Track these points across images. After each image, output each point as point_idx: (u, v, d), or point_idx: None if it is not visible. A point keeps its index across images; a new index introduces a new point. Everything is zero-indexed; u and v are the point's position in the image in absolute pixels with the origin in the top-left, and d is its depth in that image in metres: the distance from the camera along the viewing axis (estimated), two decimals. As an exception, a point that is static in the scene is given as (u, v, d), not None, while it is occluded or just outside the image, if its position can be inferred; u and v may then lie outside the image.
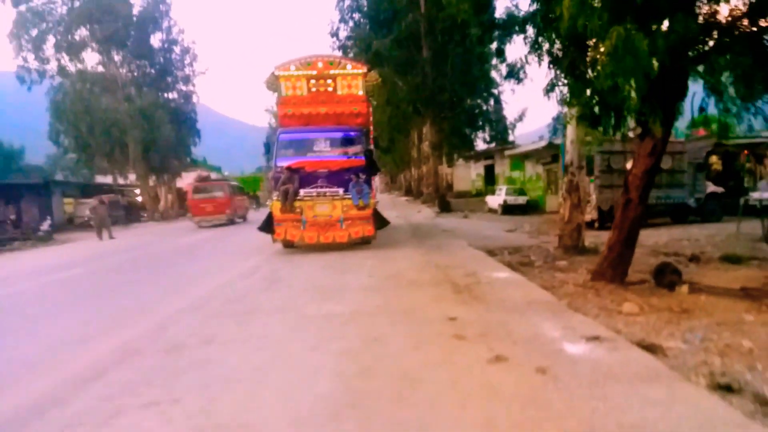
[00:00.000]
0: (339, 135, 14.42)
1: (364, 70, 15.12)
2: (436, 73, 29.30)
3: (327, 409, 3.83)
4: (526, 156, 33.91)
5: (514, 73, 9.58)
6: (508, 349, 4.89)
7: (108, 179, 46.06)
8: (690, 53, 6.74)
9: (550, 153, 27.29)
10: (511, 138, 42.98)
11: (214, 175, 63.64)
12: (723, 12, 6.28)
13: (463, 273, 9.30)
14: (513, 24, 8.55)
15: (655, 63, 5.76)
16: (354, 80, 14.82)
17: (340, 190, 13.49)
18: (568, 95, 7.33)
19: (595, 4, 5.59)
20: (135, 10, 42.13)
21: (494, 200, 30.76)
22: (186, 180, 53.79)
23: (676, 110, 7.09)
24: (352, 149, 14.16)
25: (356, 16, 35.21)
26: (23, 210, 43.56)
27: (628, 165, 10.31)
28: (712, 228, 17.19)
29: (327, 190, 13.55)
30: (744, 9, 6.36)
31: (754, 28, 6.44)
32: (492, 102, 35.65)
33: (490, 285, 8.21)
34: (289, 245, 14.30)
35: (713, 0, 6.16)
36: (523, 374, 4.28)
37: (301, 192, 13.45)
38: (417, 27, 29.80)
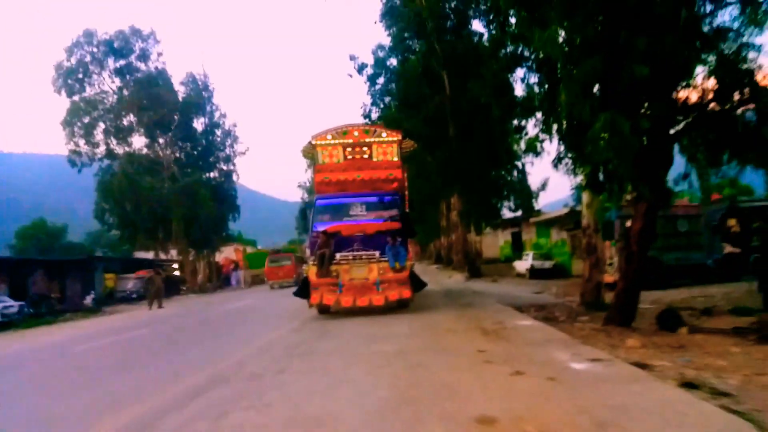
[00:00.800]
0: (375, 199, 14.56)
1: (399, 137, 15.32)
2: (462, 149, 31.22)
3: (387, 407, 5.12)
4: (551, 223, 35.21)
5: (532, 148, 11.13)
6: (526, 367, 6.15)
7: (147, 255, 48.42)
8: (671, 131, 8.23)
9: (573, 219, 28.49)
10: (536, 206, 44.41)
11: (249, 249, 66.01)
12: (693, 98, 7.77)
13: (491, 322, 10.54)
14: (527, 108, 10.15)
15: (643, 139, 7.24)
16: (389, 147, 14.96)
17: (377, 253, 13.34)
18: (572, 167, 8.80)
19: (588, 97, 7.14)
20: (180, 97, 45.72)
21: (522, 265, 31.87)
22: (224, 254, 56.07)
23: (663, 178, 8.46)
24: (387, 213, 14.27)
25: (387, 99, 37.87)
26: (67, 285, 45.94)
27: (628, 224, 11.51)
28: (730, 287, 17.97)
29: (363, 253, 13.43)
30: (711, 94, 7.85)
31: (721, 107, 7.91)
32: (515, 173, 37.34)
33: (515, 330, 9.44)
34: (324, 310, 14.02)
35: (685, 86, 7.66)
36: (536, 381, 5.53)
37: (338, 256, 13.36)
38: (443, 108, 32.05)
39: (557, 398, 4.86)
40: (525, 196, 43.21)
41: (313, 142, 14.97)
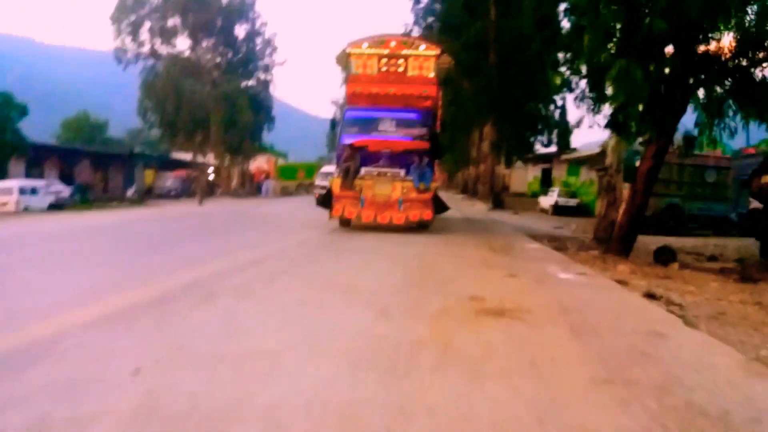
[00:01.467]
0: (406, 116, 14.23)
1: (438, 51, 14.83)
2: (500, 78, 31.29)
3: (402, 285, 6.32)
4: (582, 162, 35.49)
5: (565, 84, 11.73)
6: (521, 273, 7.28)
7: (185, 156, 50.26)
8: (690, 81, 8.89)
9: (603, 160, 28.84)
10: (571, 144, 44.27)
11: (281, 161, 67.57)
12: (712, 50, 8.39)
13: (502, 243, 11.69)
14: (561, 47, 10.76)
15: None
16: (426, 62, 14.51)
17: (402, 172, 13.26)
18: (593, 106, 9.57)
19: (609, 44, 7.85)
20: (224, 2, 45.91)
21: (546, 201, 32.61)
22: (256, 163, 57.72)
23: (674, 124, 9.18)
24: (417, 131, 13.97)
25: (430, 19, 37.54)
26: (110, 177, 48.43)
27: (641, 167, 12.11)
28: (749, 241, 18.51)
29: (388, 170, 13.34)
30: (730, 49, 8.45)
31: (740, 61, 8.52)
32: (552, 107, 37.18)
33: (522, 250, 10.57)
34: (345, 223, 13.98)
35: (703, 41, 8.28)
36: (524, 281, 6.68)
37: (362, 170, 13.28)
38: (485, 34, 31.89)
39: (538, 292, 6.01)
40: (561, 132, 43.16)
41: (348, 50, 14.71)
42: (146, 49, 44.41)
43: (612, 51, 7.67)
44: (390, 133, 13.98)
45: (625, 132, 9.92)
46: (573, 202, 30.97)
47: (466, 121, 39.75)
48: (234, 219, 17.35)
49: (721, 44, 8.32)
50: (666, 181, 22.27)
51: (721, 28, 8.12)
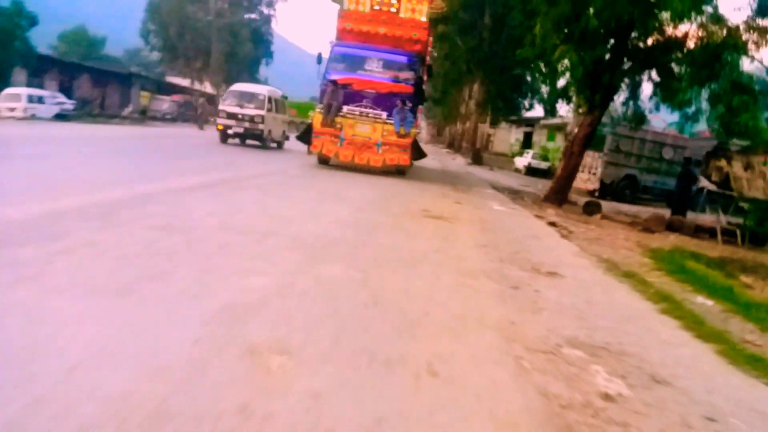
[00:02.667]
0: (393, 57, 13.95)
1: None
2: (492, 39, 33.05)
3: (376, 199, 8.62)
4: (559, 128, 37.79)
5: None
6: (465, 203, 9.69)
7: (183, 81, 51.30)
8: (624, 67, 11.15)
9: (576, 128, 31.17)
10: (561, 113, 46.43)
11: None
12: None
13: (464, 187, 14.01)
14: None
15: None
16: (419, 4, 14.32)
17: (384, 114, 13.09)
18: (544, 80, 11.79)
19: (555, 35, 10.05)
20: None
21: (521, 161, 34.98)
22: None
23: (604, 101, 11.45)
24: (403, 74, 13.75)
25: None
26: (107, 94, 49.50)
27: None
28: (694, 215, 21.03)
29: (370, 111, 13.17)
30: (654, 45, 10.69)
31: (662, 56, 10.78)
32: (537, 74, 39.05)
33: (478, 193, 12.95)
34: (323, 161, 14.10)
35: (634, 38, 10.49)
36: (465, 207, 9.08)
37: (344, 109, 13.14)
38: (482, -5, 33.44)
39: (471, 212, 8.42)
40: (549, 98, 45.19)
41: None
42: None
43: (558, 40, 9.83)
44: (376, 74, 13.68)
45: (569, 103, 12.16)
46: (545, 165, 33.30)
47: (457, 77, 41.52)
48: (235, 144, 19.31)
49: (649, 41, 10.53)
50: (627, 154, 24.72)
51: (649, 28, 10.31)
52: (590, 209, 12.89)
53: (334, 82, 13.24)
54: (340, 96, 13.16)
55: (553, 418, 2.23)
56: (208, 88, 49.28)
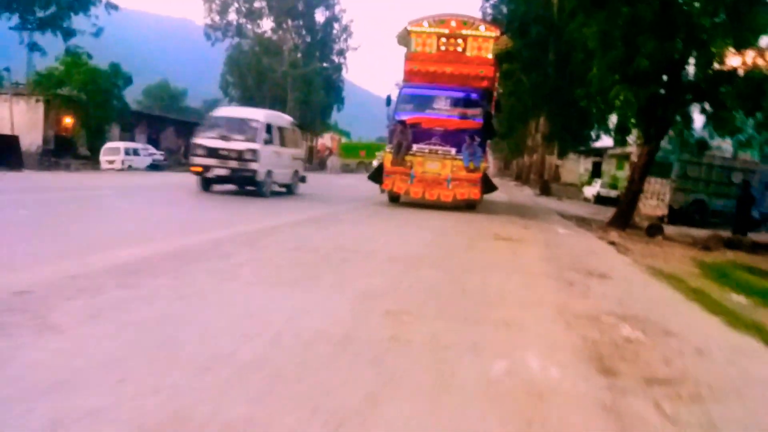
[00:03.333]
0: (460, 95, 14.29)
1: (497, 33, 15.00)
2: (556, 75, 34.14)
3: (453, 226, 9.95)
4: (626, 157, 38.00)
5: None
6: (533, 229, 10.85)
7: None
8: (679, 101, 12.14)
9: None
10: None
11: (343, 139, 71.81)
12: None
13: (532, 215, 15.14)
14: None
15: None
16: (485, 42, 14.62)
17: (453, 150, 13.44)
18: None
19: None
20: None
21: (589, 191, 35.46)
22: (321, 140, 62.15)
23: (660, 132, 12.40)
24: (471, 111, 14.04)
25: (491, 13, 40.52)
26: (190, 144, 53.42)
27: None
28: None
29: (439, 148, 13.55)
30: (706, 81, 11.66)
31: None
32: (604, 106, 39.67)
33: (546, 220, 14.02)
34: (394, 198, 14.45)
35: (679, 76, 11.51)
36: (531, 231, 10.25)
37: (414, 147, 13.51)
38: (546, 33, 34.73)
39: (536, 235, 9.61)
40: (617, 128, 45.52)
41: (409, 28, 14.94)
42: (233, 27, 48.89)
43: (614, 79, 11.01)
44: (443, 112, 14.07)
45: (624, 135, 13.20)
46: (614, 193, 33.51)
47: (523, 112, 42.65)
48: (319, 185, 21.12)
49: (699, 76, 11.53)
50: (695, 179, 25.00)
51: (700, 64, 11.31)
52: (652, 231, 13.68)
53: (402, 122, 13.69)
54: (409, 135, 13.56)
55: (587, 347, 3.47)
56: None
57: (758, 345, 3.98)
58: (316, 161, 56.01)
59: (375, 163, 38.53)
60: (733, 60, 11.47)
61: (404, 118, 13.84)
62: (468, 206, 13.92)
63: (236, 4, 49.10)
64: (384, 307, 3.98)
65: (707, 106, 12.27)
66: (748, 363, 3.56)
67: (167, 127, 49.94)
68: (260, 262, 5.39)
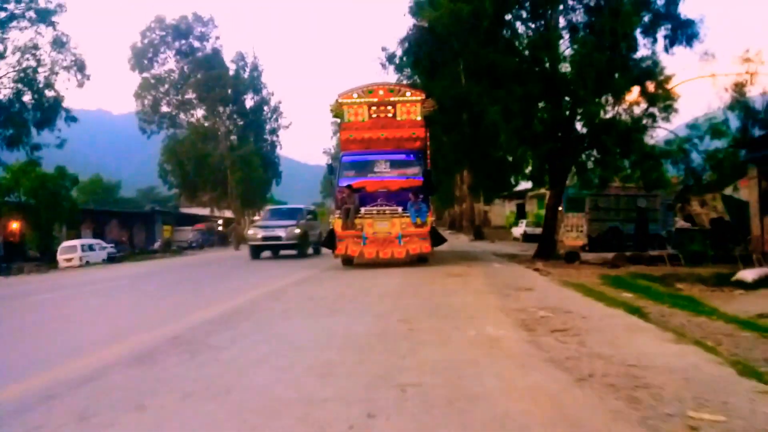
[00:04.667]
0: (398, 157, 15.05)
1: (422, 97, 15.77)
2: (472, 133, 37.92)
3: (411, 273, 12.41)
4: (544, 197, 42.20)
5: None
6: (475, 266, 13.51)
7: (203, 210, 56.45)
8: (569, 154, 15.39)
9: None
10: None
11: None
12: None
13: (472, 257, 17.86)
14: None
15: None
16: (413, 106, 15.35)
17: (399, 209, 14.06)
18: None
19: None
20: (232, 73, 52.89)
21: (517, 231, 39.11)
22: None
23: (562, 177, 15.61)
24: (410, 170, 14.87)
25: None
26: (134, 234, 54.26)
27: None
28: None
29: (386, 208, 14.13)
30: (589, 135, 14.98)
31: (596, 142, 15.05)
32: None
33: (483, 259, 16.76)
34: (348, 261, 15.03)
35: (570, 132, 14.79)
36: (474, 269, 12.89)
37: (362, 210, 14.13)
38: (459, 104, 38.74)
39: (479, 270, 12.28)
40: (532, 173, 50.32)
41: (340, 100, 15.61)
42: (167, 120, 50.97)
43: (518, 142, 14.19)
44: (385, 174, 14.78)
45: (537, 183, 16.31)
46: (539, 230, 37.02)
47: (447, 167, 46.42)
48: (272, 258, 23.27)
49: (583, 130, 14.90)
50: (607, 209, 28.67)
51: (583, 123, 14.68)
52: (570, 258, 16.73)
53: (348, 187, 14.32)
54: (355, 199, 14.18)
55: (518, 322, 5.99)
56: (227, 213, 54.26)
57: (621, 312, 6.60)
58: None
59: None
60: (609, 113, 14.95)
61: (349, 183, 14.54)
62: (420, 260, 14.43)
63: (168, 98, 51.40)
64: (395, 318, 6.39)
65: (595, 153, 15.64)
66: (610, 319, 6.16)
67: (110, 220, 50.74)
68: (293, 308, 7.68)
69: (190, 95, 50.62)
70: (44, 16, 26.62)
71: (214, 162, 48.04)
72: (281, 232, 21.08)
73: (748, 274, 12.00)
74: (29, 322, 8.95)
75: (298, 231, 21.31)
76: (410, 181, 14.49)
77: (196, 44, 51.89)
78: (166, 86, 50.83)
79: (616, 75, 14.40)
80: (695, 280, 12.60)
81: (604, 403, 3.29)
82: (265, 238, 21.22)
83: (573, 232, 28.95)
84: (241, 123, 52.08)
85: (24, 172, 32.92)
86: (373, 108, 15.42)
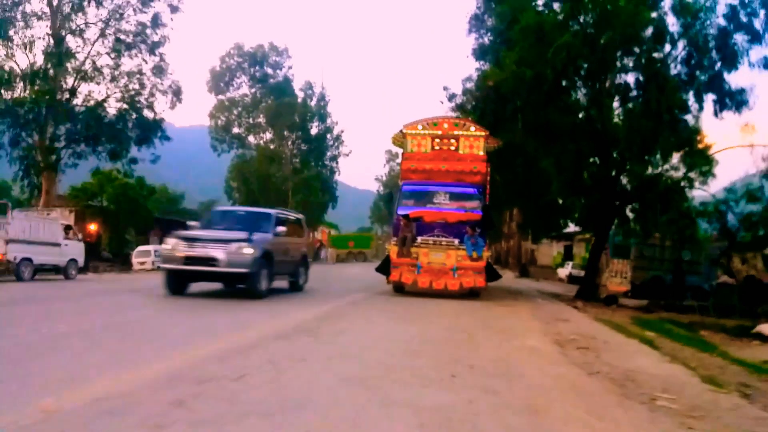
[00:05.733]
0: (458, 190, 15.16)
1: (486, 133, 15.98)
2: (525, 175, 39.56)
3: (459, 304, 14.24)
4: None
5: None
6: (521, 301, 15.26)
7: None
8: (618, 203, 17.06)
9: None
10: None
11: (333, 232, 76.74)
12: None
13: (517, 292, 19.56)
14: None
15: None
16: (476, 141, 15.61)
17: (456, 241, 14.23)
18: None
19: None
20: (300, 100, 56.30)
21: (562, 272, 40.27)
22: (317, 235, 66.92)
23: (606, 226, 17.24)
24: (469, 204, 14.92)
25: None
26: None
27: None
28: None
29: (443, 239, 14.32)
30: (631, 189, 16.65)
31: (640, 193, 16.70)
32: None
33: (529, 296, 18.44)
34: (399, 288, 15.16)
35: (614, 187, 16.48)
36: (520, 303, 14.68)
37: (419, 239, 14.31)
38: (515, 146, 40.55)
39: (524, 304, 14.09)
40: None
41: (404, 131, 15.95)
42: (237, 141, 54.65)
43: (569, 191, 15.98)
44: (444, 206, 14.92)
45: (584, 227, 17.99)
46: (584, 273, 38.23)
47: (497, 204, 48.00)
48: (327, 275, 25.28)
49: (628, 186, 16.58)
50: (651, 258, 29.72)
51: (629, 179, 16.37)
52: (608, 301, 18.22)
53: (406, 216, 14.48)
54: (413, 228, 14.36)
55: (553, 341, 7.83)
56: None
57: (636, 341, 8.34)
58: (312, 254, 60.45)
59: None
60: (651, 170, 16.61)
61: (407, 212, 14.68)
62: (471, 294, 14.57)
63: (239, 120, 55.18)
64: (460, 330, 8.32)
65: (636, 206, 17.28)
66: (626, 346, 7.93)
67: (176, 228, 53.89)
68: (370, 318, 9.69)
69: (260, 119, 54.19)
70: (153, 48, 30.03)
71: (278, 183, 51.11)
72: (218, 252, 11.45)
73: (766, 328, 13.32)
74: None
75: (250, 252, 11.60)
76: (469, 215, 14.60)
77: (270, 71, 55.73)
78: (239, 109, 54.55)
79: (661, 139, 16.04)
80: (719, 329, 13.96)
81: (602, 385, 5.17)
82: (188, 260, 11.58)
83: (617, 277, 29.98)
84: (305, 148, 55.26)
85: (108, 180, 36.24)
86: (437, 140, 15.73)
